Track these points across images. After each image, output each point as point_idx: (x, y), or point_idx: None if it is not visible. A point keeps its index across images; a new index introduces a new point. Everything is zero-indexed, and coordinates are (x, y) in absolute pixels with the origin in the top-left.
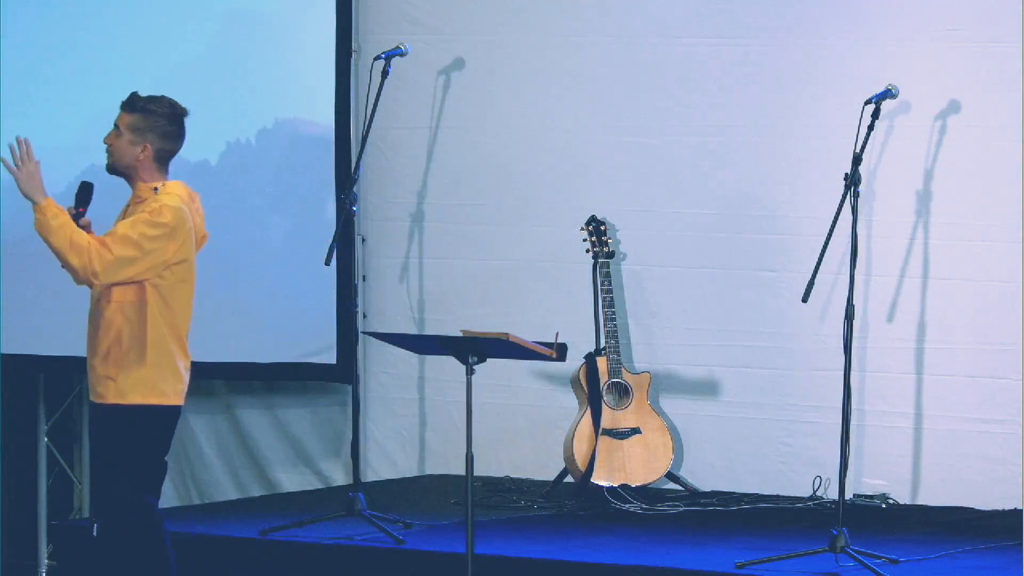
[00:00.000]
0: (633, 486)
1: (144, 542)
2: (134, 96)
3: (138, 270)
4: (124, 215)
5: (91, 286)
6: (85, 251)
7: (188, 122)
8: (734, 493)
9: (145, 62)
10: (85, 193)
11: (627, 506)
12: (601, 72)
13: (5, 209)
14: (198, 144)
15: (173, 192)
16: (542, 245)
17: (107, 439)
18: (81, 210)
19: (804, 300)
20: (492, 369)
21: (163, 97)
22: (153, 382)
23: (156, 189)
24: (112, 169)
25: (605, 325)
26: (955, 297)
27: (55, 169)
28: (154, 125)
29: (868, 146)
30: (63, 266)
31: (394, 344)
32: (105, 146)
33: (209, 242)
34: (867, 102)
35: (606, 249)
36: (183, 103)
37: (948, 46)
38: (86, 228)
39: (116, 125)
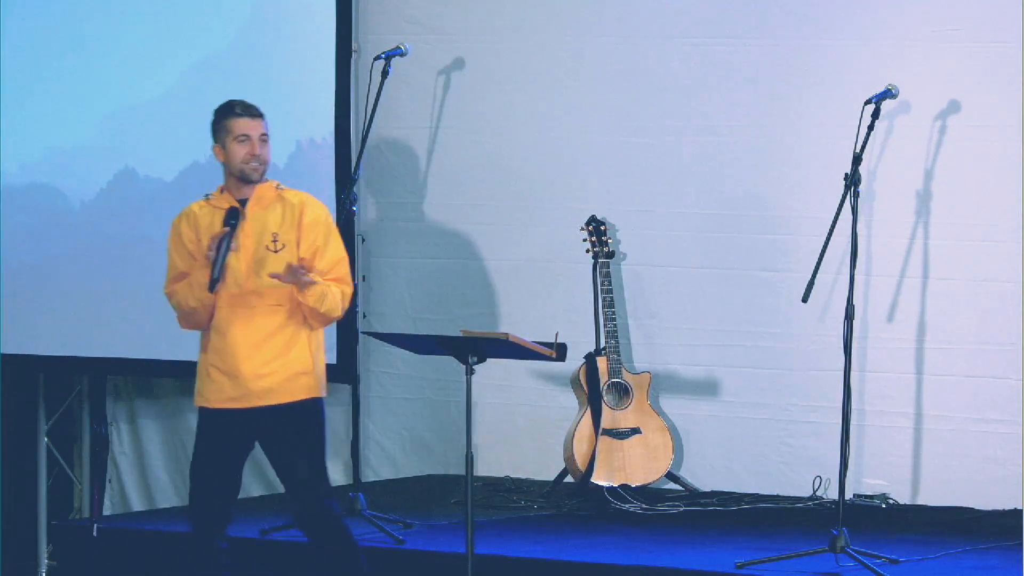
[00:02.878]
0: (633, 486)
1: (345, 535)
2: (248, 104)
3: None
4: (247, 217)
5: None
6: (340, 299)
7: (188, 123)
8: (734, 493)
9: (148, 64)
10: (234, 217)
11: (627, 506)
12: (601, 72)
13: (5, 210)
14: (198, 144)
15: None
16: (542, 245)
17: (305, 435)
18: (227, 230)
19: (804, 300)
20: (492, 369)
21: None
22: (324, 373)
23: (279, 186)
24: (260, 178)
25: (605, 325)
26: (955, 297)
27: (70, 170)
28: None
29: (868, 146)
30: (325, 323)
31: (394, 344)
32: (255, 158)
33: None
34: (867, 102)
35: (606, 249)
36: (185, 104)
37: (948, 46)
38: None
39: (260, 137)
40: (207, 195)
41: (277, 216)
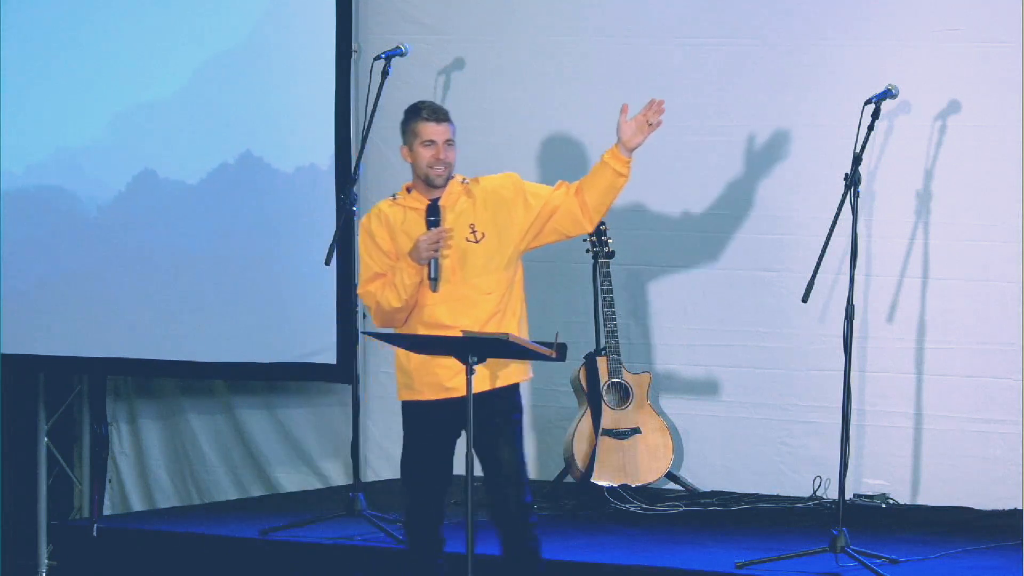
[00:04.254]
0: (633, 486)
1: (537, 536)
2: (436, 107)
3: None
4: (444, 219)
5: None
6: None
7: (188, 123)
8: (734, 493)
9: (152, 63)
10: (435, 213)
11: (627, 506)
12: (600, 72)
13: (5, 210)
14: (196, 143)
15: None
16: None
17: (510, 422)
18: (444, 230)
19: (804, 300)
20: None
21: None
22: None
23: (465, 180)
24: (444, 182)
25: (605, 325)
26: (955, 297)
27: (80, 169)
28: None
29: (868, 146)
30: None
31: (394, 344)
32: (440, 162)
33: (210, 243)
34: (867, 102)
35: (606, 249)
36: (186, 104)
37: (948, 46)
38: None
39: (446, 142)
40: (393, 195)
41: (469, 207)
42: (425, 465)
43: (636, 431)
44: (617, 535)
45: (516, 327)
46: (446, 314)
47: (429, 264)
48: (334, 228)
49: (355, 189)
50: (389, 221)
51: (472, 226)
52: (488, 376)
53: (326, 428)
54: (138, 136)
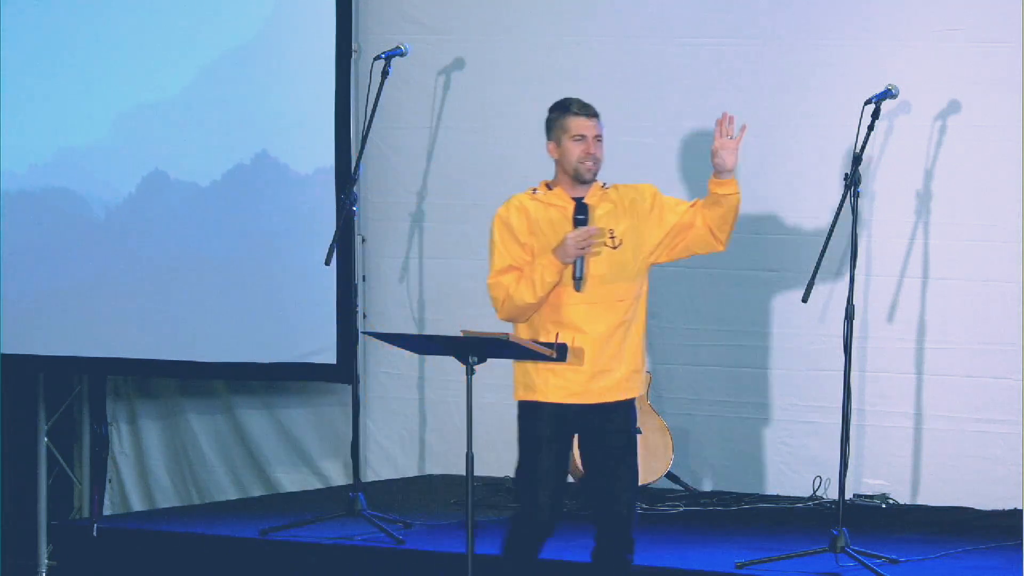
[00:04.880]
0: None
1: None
2: (586, 103)
3: None
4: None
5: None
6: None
7: (188, 123)
8: (734, 493)
9: (156, 62)
10: (583, 212)
11: None
12: (601, 72)
13: (5, 210)
14: (196, 144)
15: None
16: None
17: (629, 435)
18: (594, 229)
19: (804, 300)
20: (492, 369)
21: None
22: None
23: (605, 185)
24: (594, 177)
25: None
26: (955, 297)
27: (80, 170)
28: None
29: (868, 146)
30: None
31: (394, 344)
32: (590, 156)
33: (209, 242)
34: (867, 102)
35: None
36: (186, 104)
37: (948, 46)
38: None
39: (595, 137)
40: (533, 189)
41: (611, 212)
42: (544, 474)
43: (636, 431)
44: None
45: (639, 340)
46: (583, 316)
47: (574, 263)
48: (334, 228)
49: (355, 189)
50: (529, 215)
51: (611, 231)
52: (610, 388)
53: (326, 428)
54: (138, 137)
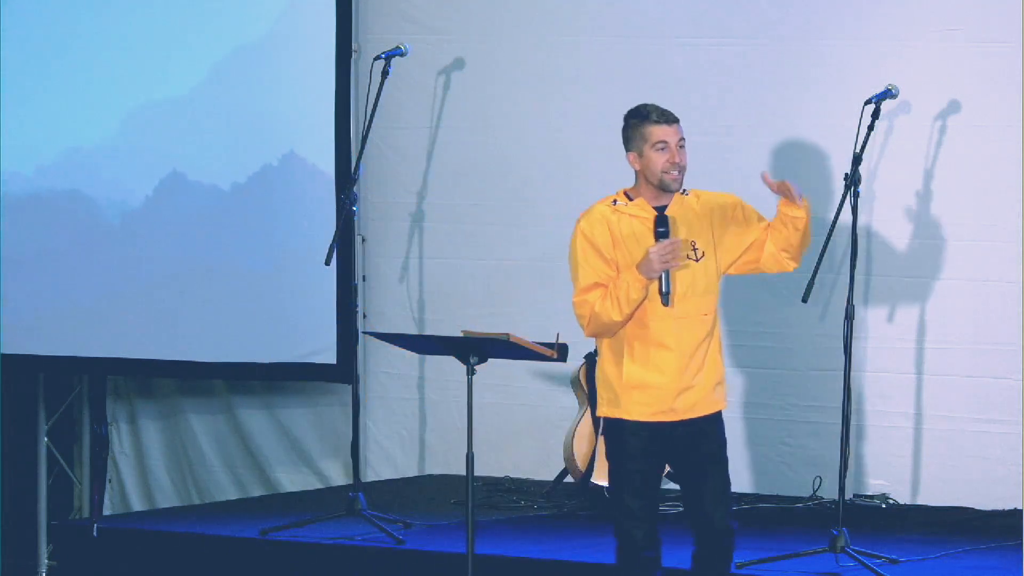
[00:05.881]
0: None
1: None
2: (665, 110)
3: None
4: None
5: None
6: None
7: (189, 123)
8: (734, 493)
9: (150, 66)
10: (664, 224)
11: None
12: (601, 72)
13: (5, 209)
14: (197, 143)
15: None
16: (542, 245)
17: (720, 449)
18: (678, 241)
19: (804, 300)
20: (492, 369)
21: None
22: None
23: (686, 192)
24: (680, 186)
25: None
26: (955, 297)
27: (78, 170)
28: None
29: (868, 146)
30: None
31: (394, 344)
32: (675, 166)
33: (209, 242)
34: (867, 102)
35: None
36: (186, 105)
37: (948, 46)
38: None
39: (678, 143)
40: (613, 200)
41: (694, 222)
42: (646, 495)
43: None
44: None
45: (719, 351)
46: (669, 332)
47: (660, 278)
48: (334, 228)
49: (355, 189)
50: (612, 228)
51: (693, 243)
52: (696, 404)
53: (326, 428)
54: (138, 137)
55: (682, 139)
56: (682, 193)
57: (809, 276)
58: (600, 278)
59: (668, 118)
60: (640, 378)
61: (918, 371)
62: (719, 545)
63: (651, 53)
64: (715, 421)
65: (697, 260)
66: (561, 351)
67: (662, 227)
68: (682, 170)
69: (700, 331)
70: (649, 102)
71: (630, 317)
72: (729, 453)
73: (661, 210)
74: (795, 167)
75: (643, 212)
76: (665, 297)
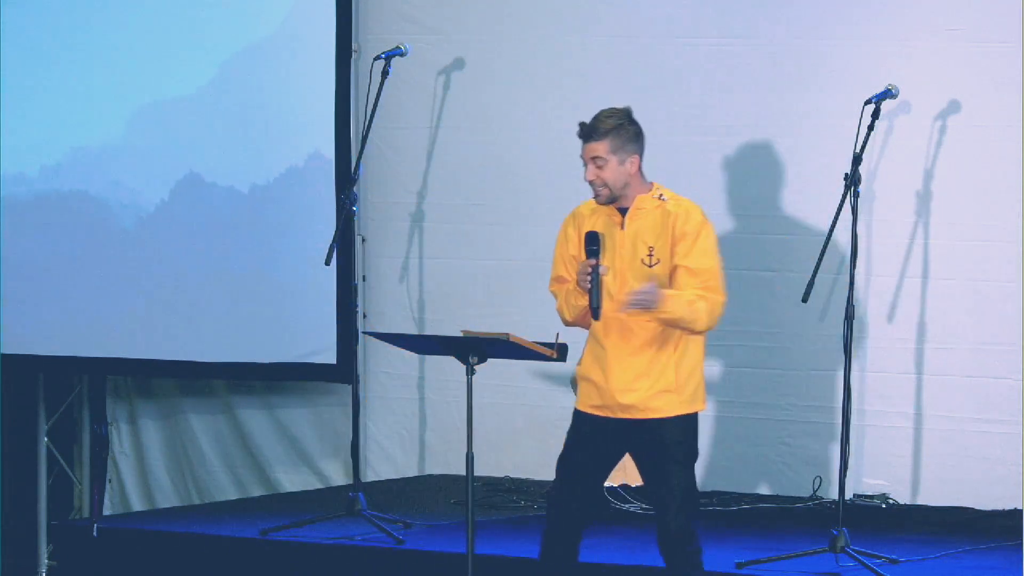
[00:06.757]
0: (633, 486)
1: (700, 563)
2: (592, 124)
3: None
4: (625, 232)
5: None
6: (707, 311)
7: (188, 124)
8: (734, 493)
9: (150, 66)
10: (594, 243)
11: (627, 506)
12: (601, 72)
13: (5, 208)
14: (197, 143)
15: (671, 191)
16: (542, 245)
17: (668, 453)
18: (594, 262)
19: (804, 300)
20: (492, 369)
21: (612, 108)
22: (703, 386)
23: (663, 196)
24: (610, 200)
25: None
26: (955, 297)
27: (77, 170)
28: (629, 136)
29: (868, 146)
30: (686, 331)
31: (394, 344)
32: (591, 184)
33: (209, 242)
34: (867, 102)
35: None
36: (185, 105)
37: (948, 46)
38: (604, 275)
39: (592, 160)
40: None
41: (655, 228)
42: (566, 473)
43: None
44: (617, 535)
45: (678, 365)
46: (609, 336)
47: (590, 292)
48: (334, 228)
49: (355, 189)
50: (581, 226)
51: (651, 249)
52: (634, 407)
53: (326, 428)
54: (138, 137)
55: (597, 157)
56: (659, 198)
57: (809, 276)
58: (560, 272)
59: (585, 135)
60: (586, 371)
61: (918, 371)
62: (669, 544)
63: (651, 53)
64: (664, 425)
65: (651, 266)
66: (561, 351)
67: (593, 244)
68: (601, 184)
69: (641, 337)
70: (600, 109)
71: (580, 320)
72: (730, 453)
73: (623, 212)
74: (795, 167)
75: (608, 210)
76: (595, 312)
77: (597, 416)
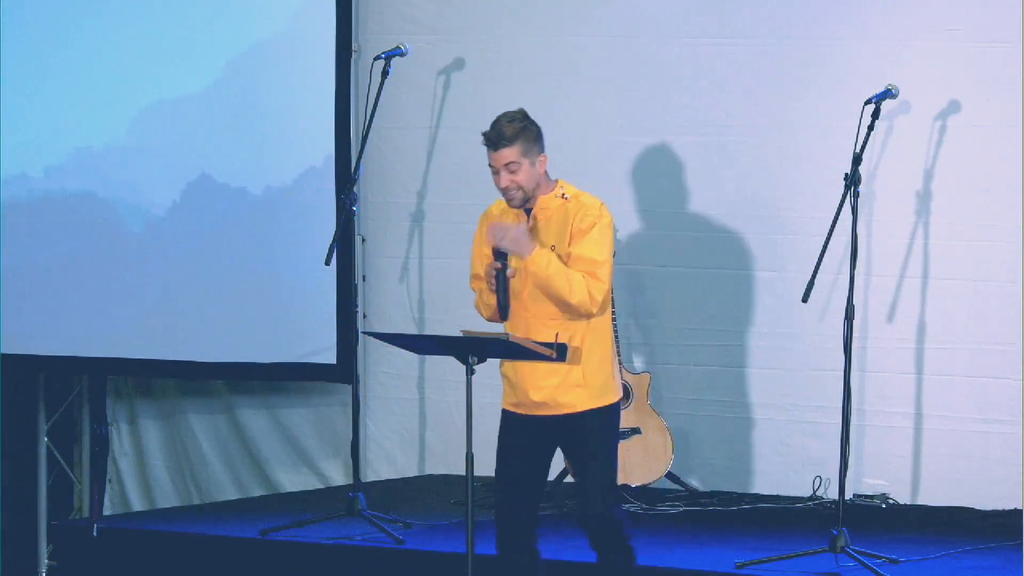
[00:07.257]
0: (633, 486)
1: (628, 548)
2: (497, 131)
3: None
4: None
5: (587, 317)
6: (582, 285)
7: (189, 125)
8: (734, 493)
9: (151, 66)
10: (500, 258)
11: (627, 506)
12: (601, 72)
13: (5, 208)
14: (197, 143)
15: (574, 188)
16: None
17: (583, 447)
18: (499, 265)
19: (804, 300)
20: (492, 369)
21: (510, 112)
22: (615, 378)
23: (565, 195)
24: (524, 202)
25: None
26: (955, 297)
27: (75, 170)
28: (534, 136)
29: (868, 146)
30: (558, 304)
31: (394, 344)
32: (504, 191)
33: (209, 243)
34: (867, 102)
35: None
36: (186, 104)
37: (948, 46)
38: (511, 276)
39: (505, 167)
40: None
41: (557, 227)
42: (502, 472)
43: (636, 431)
44: None
45: (588, 360)
46: (512, 329)
47: (497, 294)
48: (334, 228)
49: (355, 189)
50: (491, 221)
51: (553, 247)
52: (545, 404)
53: (326, 428)
54: (139, 137)
55: (510, 163)
56: (562, 197)
57: (809, 276)
58: (477, 270)
59: (491, 142)
60: (504, 369)
61: (918, 371)
62: (591, 530)
63: (651, 53)
64: (579, 419)
65: None
66: (560, 351)
67: (499, 259)
68: (515, 189)
69: (545, 335)
70: (500, 115)
71: (496, 317)
72: (730, 453)
73: (528, 211)
74: (795, 167)
75: (521, 213)
76: (503, 311)
77: (517, 414)
